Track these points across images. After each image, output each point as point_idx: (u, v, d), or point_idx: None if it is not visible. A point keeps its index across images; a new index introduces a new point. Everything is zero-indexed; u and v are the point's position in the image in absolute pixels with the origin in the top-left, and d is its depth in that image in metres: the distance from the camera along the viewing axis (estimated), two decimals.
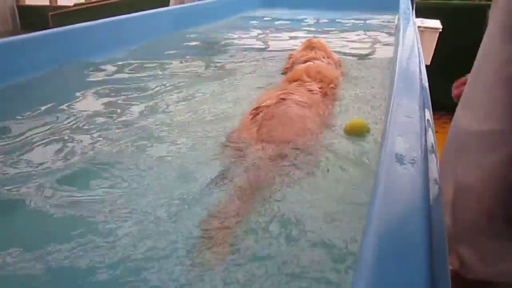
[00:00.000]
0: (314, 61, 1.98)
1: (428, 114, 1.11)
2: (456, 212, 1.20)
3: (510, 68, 1.06)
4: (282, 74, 2.07)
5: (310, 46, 2.13)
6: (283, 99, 1.53)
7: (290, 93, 1.59)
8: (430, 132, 1.00)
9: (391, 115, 0.98)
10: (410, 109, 1.04)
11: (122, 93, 1.89)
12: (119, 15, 2.70)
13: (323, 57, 2.04)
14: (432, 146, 0.93)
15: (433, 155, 0.89)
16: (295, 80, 1.77)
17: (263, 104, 1.49)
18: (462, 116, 1.20)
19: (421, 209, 0.63)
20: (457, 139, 1.22)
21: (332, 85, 1.81)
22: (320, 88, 1.74)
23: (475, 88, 1.19)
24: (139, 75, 2.14)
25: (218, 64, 2.37)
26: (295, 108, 1.50)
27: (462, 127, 1.18)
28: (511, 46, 1.07)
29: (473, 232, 1.18)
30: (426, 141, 0.89)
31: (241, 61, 2.43)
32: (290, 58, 2.13)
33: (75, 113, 1.65)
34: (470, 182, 1.15)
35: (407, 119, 0.98)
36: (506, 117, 1.06)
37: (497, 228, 1.14)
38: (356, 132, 1.47)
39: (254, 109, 1.49)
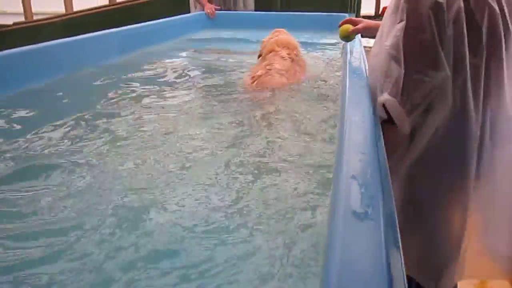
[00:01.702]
0: (280, 36, 2.67)
1: (378, 131, 1.19)
2: None
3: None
4: (259, 57, 2.61)
5: (275, 32, 2.82)
6: (269, 69, 2.28)
7: (271, 63, 2.34)
8: (380, 146, 1.07)
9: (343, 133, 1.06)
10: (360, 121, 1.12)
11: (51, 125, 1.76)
12: (66, 35, 2.60)
13: (285, 34, 2.76)
14: (384, 157, 1.00)
15: (383, 165, 0.95)
16: (271, 51, 2.48)
17: (257, 74, 2.28)
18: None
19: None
20: None
21: (295, 51, 2.54)
22: (288, 54, 2.45)
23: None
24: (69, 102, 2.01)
25: (163, 87, 2.32)
26: (276, 76, 2.26)
27: None
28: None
29: None
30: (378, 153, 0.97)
31: (183, 83, 2.43)
32: (263, 43, 2.71)
33: None
34: None
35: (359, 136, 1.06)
36: None
37: None
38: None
39: (251, 77, 2.29)
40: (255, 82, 2.25)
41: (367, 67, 1.80)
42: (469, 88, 1.33)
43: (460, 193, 1.41)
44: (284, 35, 2.72)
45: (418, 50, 1.34)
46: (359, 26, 1.91)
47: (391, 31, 1.39)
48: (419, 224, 1.48)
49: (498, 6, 1.32)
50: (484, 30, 1.33)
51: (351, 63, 1.93)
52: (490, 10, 1.32)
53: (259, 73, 2.28)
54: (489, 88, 1.35)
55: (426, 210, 1.46)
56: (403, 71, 1.33)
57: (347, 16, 3.70)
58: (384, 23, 1.47)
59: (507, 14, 1.33)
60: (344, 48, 2.49)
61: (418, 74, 1.32)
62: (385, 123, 1.40)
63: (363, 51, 2.21)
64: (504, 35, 1.33)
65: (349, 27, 1.96)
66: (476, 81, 1.33)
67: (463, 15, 1.31)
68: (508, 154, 1.40)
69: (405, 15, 1.34)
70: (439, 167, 1.41)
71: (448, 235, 1.49)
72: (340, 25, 2.01)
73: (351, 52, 2.17)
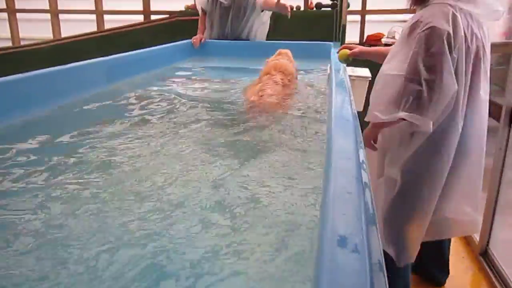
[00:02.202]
0: (280, 60, 2.88)
1: (362, 155, 1.20)
2: None
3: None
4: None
5: (279, 53, 3.07)
6: (261, 95, 2.44)
7: (263, 88, 2.50)
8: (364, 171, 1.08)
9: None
10: (347, 150, 1.13)
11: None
12: (54, 61, 2.56)
13: (286, 59, 2.96)
14: (366, 182, 1.01)
15: (367, 189, 0.96)
16: (267, 74, 2.70)
17: (251, 99, 2.47)
18: None
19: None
20: None
21: (289, 77, 2.74)
22: (281, 79, 2.64)
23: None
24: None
25: (150, 117, 2.28)
26: (267, 100, 2.40)
27: None
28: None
29: None
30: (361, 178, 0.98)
31: (171, 112, 2.40)
32: (267, 63, 2.90)
33: None
34: None
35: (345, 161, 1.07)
36: None
37: None
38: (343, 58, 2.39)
39: (248, 102, 2.48)
40: (249, 106, 2.42)
41: (351, 92, 1.95)
42: (461, 97, 1.79)
43: (442, 172, 1.90)
44: (284, 59, 2.94)
45: (434, 71, 1.70)
46: (355, 50, 2.35)
47: (405, 57, 1.78)
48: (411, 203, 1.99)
49: (480, 33, 1.80)
50: (473, 52, 1.77)
51: (336, 89, 1.97)
52: (476, 37, 1.77)
53: (252, 98, 2.47)
54: (471, 96, 1.84)
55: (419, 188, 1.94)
56: (425, 89, 1.71)
57: (332, 44, 3.78)
58: (396, 51, 1.89)
59: (484, 38, 1.81)
60: (330, 76, 2.54)
61: (435, 90, 1.71)
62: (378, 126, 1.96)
63: (347, 78, 2.27)
64: (482, 55, 1.81)
65: (347, 51, 2.36)
66: (463, 92, 1.80)
67: (463, 41, 1.72)
68: (476, 144, 1.95)
69: (422, 43, 1.71)
70: (432, 156, 1.89)
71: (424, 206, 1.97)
72: (339, 50, 2.43)
73: (336, 78, 2.22)
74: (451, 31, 1.69)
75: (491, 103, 2.00)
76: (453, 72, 1.71)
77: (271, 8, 4.03)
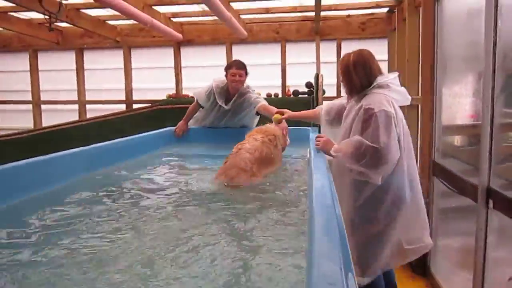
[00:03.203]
0: (266, 125, 3.32)
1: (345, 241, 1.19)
2: None
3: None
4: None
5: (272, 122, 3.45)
6: (240, 148, 2.76)
7: (243, 143, 2.85)
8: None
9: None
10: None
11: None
12: (34, 151, 2.52)
13: (273, 126, 3.33)
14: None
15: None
16: (250, 135, 3.01)
17: (229, 153, 2.76)
18: None
19: None
20: None
21: (270, 136, 2.99)
22: (261, 137, 2.94)
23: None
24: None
25: (130, 208, 2.22)
26: (245, 155, 2.68)
27: None
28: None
29: None
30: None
31: (151, 197, 2.37)
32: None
33: None
34: None
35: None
36: None
37: None
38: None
39: (226, 157, 2.76)
40: (223, 175, 2.58)
41: (330, 176, 2.09)
42: (401, 157, 2.41)
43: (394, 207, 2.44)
44: (271, 125, 3.35)
45: (388, 141, 2.29)
46: (285, 116, 3.33)
47: (364, 130, 2.35)
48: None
49: (400, 113, 2.45)
50: (401, 126, 2.43)
51: (316, 172, 2.02)
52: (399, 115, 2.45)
53: (230, 152, 2.80)
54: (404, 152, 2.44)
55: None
56: (381, 153, 2.27)
57: (310, 130, 3.91)
58: (355, 128, 2.43)
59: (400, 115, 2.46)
60: (309, 159, 2.60)
61: (387, 153, 2.29)
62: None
63: (326, 161, 2.35)
64: (402, 126, 2.44)
65: (279, 116, 3.34)
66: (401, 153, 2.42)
67: (399, 120, 2.40)
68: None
69: (378, 122, 2.28)
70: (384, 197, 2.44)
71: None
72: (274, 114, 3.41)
73: (316, 162, 2.28)
74: (394, 113, 2.35)
75: (465, 182, 2.38)
76: (397, 141, 2.35)
77: (267, 115, 3.95)
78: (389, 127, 2.29)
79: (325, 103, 3.06)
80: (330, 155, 2.49)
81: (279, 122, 3.31)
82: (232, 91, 4.11)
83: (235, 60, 4.16)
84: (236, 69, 3.97)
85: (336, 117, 2.87)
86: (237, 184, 2.49)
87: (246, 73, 4.05)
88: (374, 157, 2.28)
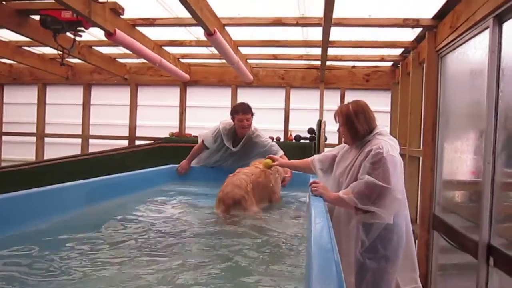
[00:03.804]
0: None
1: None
2: None
3: None
4: None
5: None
6: (238, 172, 3.21)
7: (243, 168, 3.29)
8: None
9: None
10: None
11: None
12: (35, 183, 2.55)
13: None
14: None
15: None
16: (253, 164, 3.42)
17: (229, 175, 3.19)
18: None
19: None
20: None
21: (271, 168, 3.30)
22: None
23: None
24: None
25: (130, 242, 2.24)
26: (241, 175, 3.14)
27: None
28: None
29: None
30: None
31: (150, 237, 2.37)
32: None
33: None
34: None
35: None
36: None
37: None
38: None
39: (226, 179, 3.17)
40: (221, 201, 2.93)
41: (329, 220, 2.08)
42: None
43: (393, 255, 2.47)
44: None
45: (397, 182, 2.38)
46: (277, 162, 3.28)
47: (375, 173, 2.38)
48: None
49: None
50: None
51: (315, 216, 2.02)
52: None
53: (230, 175, 3.18)
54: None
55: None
56: (391, 193, 2.35)
57: (311, 176, 3.92)
58: (363, 170, 2.44)
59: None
60: (309, 204, 2.60)
61: (396, 194, 2.37)
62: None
63: (325, 207, 2.37)
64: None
65: (270, 161, 3.25)
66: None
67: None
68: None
69: (388, 165, 2.35)
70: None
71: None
72: (265, 158, 3.35)
73: (315, 207, 2.31)
74: (400, 160, 2.47)
75: (465, 238, 2.24)
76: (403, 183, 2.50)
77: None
78: (397, 170, 2.41)
79: (317, 155, 3.09)
80: (328, 200, 2.52)
81: (269, 167, 3.26)
82: (240, 134, 4.18)
83: (240, 104, 4.21)
84: (243, 114, 4.02)
85: (330, 167, 2.92)
86: (234, 214, 2.79)
87: (252, 115, 4.11)
88: (386, 197, 2.35)
